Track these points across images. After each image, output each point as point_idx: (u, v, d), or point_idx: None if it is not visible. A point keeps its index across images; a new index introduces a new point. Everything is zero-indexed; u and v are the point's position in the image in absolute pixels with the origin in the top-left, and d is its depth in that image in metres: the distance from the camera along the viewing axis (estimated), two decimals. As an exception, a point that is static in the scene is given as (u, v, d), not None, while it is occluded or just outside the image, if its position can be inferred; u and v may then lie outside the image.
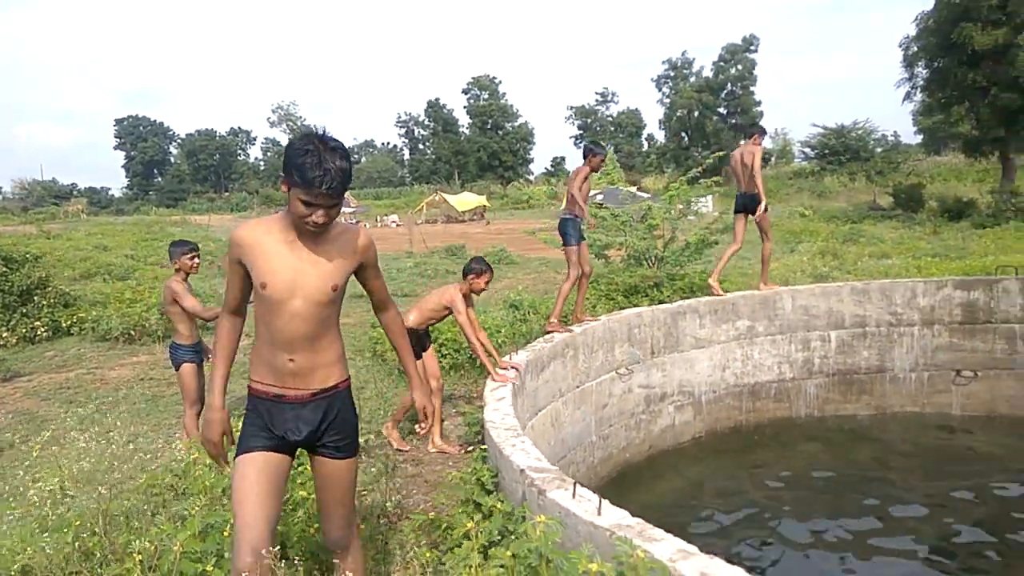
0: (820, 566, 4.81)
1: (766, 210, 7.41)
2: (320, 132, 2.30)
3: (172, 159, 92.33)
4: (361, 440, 4.91)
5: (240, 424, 2.52)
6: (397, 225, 38.93)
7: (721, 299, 7.44)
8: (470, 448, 5.18)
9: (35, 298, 9.48)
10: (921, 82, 21.86)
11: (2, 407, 6.72)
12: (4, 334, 9.10)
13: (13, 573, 2.55)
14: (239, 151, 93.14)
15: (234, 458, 2.45)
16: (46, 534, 2.79)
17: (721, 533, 5.14)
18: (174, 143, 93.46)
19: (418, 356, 5.20)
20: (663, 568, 2.29)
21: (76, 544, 2.73)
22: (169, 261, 5.26)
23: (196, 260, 5.20)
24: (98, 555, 2.74)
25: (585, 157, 6.10)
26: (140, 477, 3.82)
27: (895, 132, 55.97)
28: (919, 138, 39.45)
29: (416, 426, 4.64)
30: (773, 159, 55.26)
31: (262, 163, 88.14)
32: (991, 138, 20.30)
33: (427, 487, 4.73)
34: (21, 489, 3.32)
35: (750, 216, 7.42)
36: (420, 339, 5.25)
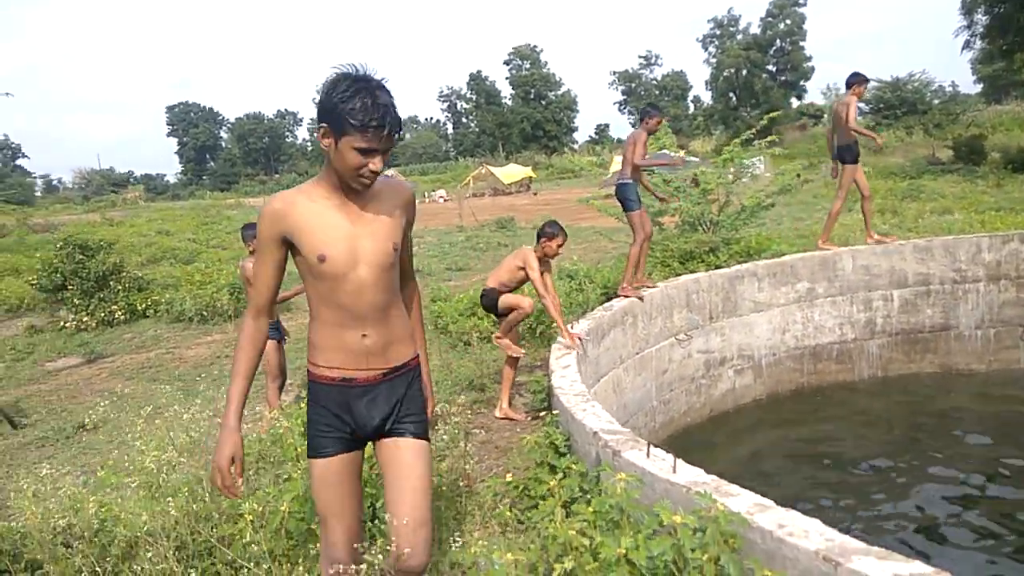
0: (888, 525, 4.87)
1: (855, 161, 7.37)
2: (360, 69, 2.00)
3: (223, 143, 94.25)
4: (437, 409, 5.13)
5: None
6: (445, 200, 39.19)
7: (779, 261, 7.43)
8: (537, 414, 5.35)
9: (111, 283, 9.96)
10: (981, 29, 20.97)
11: (90, 387, 7.16)
12: (85, 318, 9.61)
13: (139, 535, 2.80)
14: (287, 133, 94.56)
15: (308, 458, 2.25)
16: (164, 499, 3.04)
17: (786, 493, 5.23)
18: (224, 128, 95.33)
19: (499, 316, 5.37)
20: (742, 520, 2.41)
21: (192, 507, 2.97)
22: (243, 243, 5.52)
23: None
24: (211, 517, 2.97)
25: (642, 119, 6.17)
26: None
27: (953, 83, 53.84)
28: (978, 88, 37.98)
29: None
30: (825, 116, 53.74)
31: (309, 144, 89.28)
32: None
33: (498, 452, 4.91)
34: (127, 459, 3.60)
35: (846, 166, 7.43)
36: (495, 303, 5.39)
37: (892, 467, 5.72)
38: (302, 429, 4.08)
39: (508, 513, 3.60)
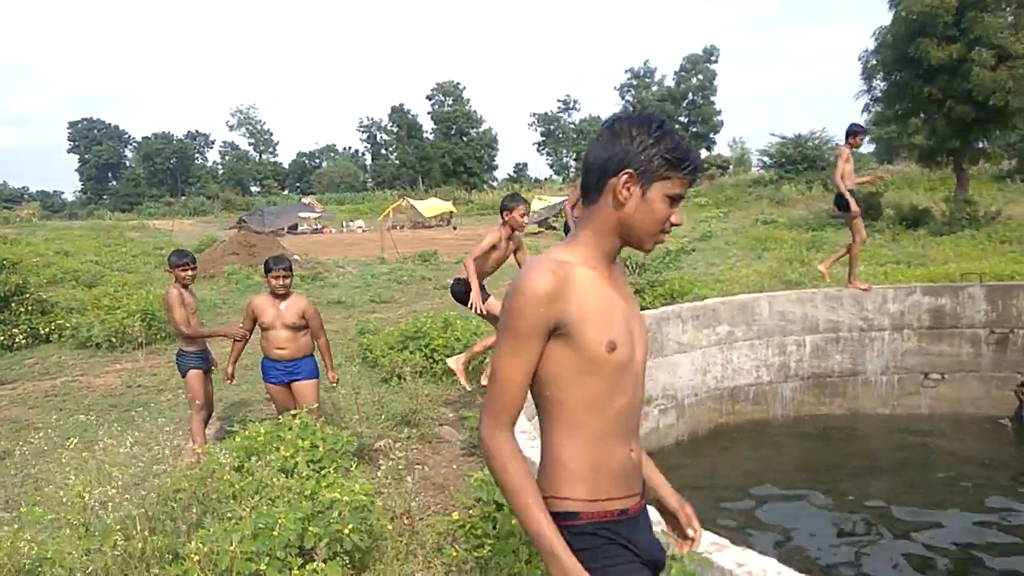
0: (813, 551, 5.07)
1: (847, 209, 7.74)
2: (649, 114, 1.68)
3: (127, 162, 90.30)
4: (375, 444, 5.02)
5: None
6: (363, 231, 38.76)
7: (702, 304, 7.71)
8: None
9: (12, 305, 9.33)
10: (879, 94, 22.64)
11: (-11, 415, 6.65)
12: (-19, 342, 8.95)
13: (73, 576, 2.62)
14: (197, 154, 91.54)
15: None
16: (91, 538, 2.86)
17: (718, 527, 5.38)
18: (129, 146, 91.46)
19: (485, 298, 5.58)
20: (705, 560, 2.48)
21: (123, 548, 2.81)
22: (169, 269, 5.32)
23: (188, 272, 5.27)
24: (145, 556, 2.82)
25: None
26: (158, 480, 3.89)
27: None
28: (872, 147, 40.73)
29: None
30: (732, 167, 56.46)
31: (220, 167, 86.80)
32: (946, 149, 21.12)
33: (435, 488, 4.86)
34: (60, 494, 3.37)
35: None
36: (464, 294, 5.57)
37: (803, 504, 5.97)
38: (237, 463, 3.93)
39: (454, 552, 3.57)
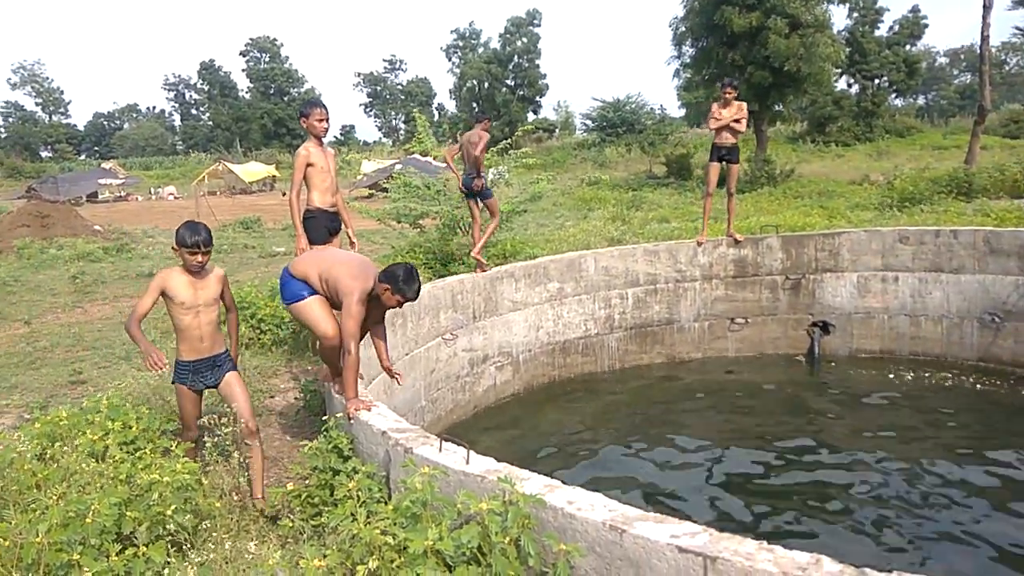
0: (638, 489, 5.43)
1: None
2: None
3: None
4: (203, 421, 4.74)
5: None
6: (175, 198, 36.05)
7: (534, 263, 7.91)
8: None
9: None
10: (688, 60, 24.16)
11: None
12: None
13: None
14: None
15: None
16: None
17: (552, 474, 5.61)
18: None
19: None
20: (539, 501, 2.56)
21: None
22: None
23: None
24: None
25: (479, 122, 7.44)
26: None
27: (662, 106, 61.02)
28: (683, 112, 43.41)
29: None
30: (557, 130, 58.01)
31: (3, 130, 76.87)
32: (748, 111, 23.04)
33: (268, 463, 4.67)
34: None
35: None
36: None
37: (634, 444, 6.38)
38: (39, 451, 3.56)
39: (288, 524, 3.46)
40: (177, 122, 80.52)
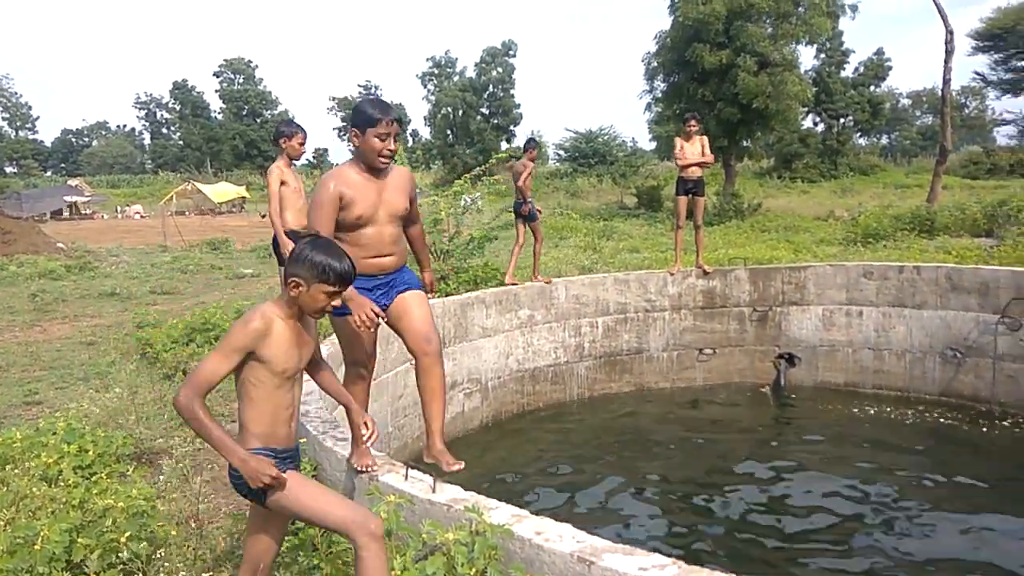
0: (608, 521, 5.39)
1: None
2: None
3: None
4: (156, 444, 4.62)
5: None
6: (142, 216, 35.51)
7: (505, 290, 7.90)
8: None
9: None
10: (659, 94, 24.59)
11: None
12: None
13: None
14: (-67, 128, 78.65)
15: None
16: None
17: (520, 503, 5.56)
18: None
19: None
20: (507, 531, 2.52)
21: None
22: None
23: None
24: None
25: (526, 151, 8.09)
26: None
27: (633, 139, 61.94)
28: (653, 145, 44.10)
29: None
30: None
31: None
32: (716, 147, 23.44)
33: (227, 489, 4.53)
34: None
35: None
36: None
37: (603, 474, 6.34)
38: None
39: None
40: (147, 141, 79.59)
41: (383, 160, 3.11)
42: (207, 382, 2.29)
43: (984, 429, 7.34)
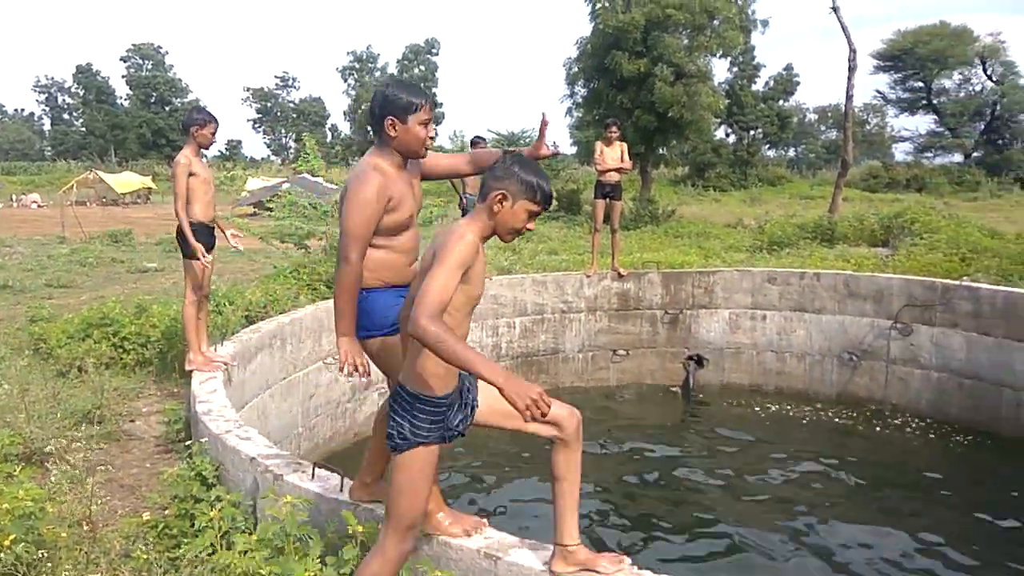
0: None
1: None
2: None
3: None
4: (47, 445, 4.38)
5: None
6: (39, 206, 33.50)
7: (421, 289, 7.85)
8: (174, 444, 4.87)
9: None
10: (579, 100, 24.97)
11: None
12: None
13: None
14: None
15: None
16: None
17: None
18: None
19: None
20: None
21: None
22: None
23: None
24: None
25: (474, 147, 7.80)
26: None
27: (555, 142, 62.36)
28: (574, 149, 44.76)
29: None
30: (452, 159, 58.20)
31: None
32: (634, 153, 23.99)
33: (124, 491, 4.34)
34: None
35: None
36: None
37: (514, 473, 6.39)
38: None
39: (144, 556, 3.22)
40: (47, 126, 75.20)
41: (426, 150, 2.80)
42: (443, 301, 2.11)
43: (877, 428, 7.77)
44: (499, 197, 2.27)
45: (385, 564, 2.31)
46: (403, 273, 2.77)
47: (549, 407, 2.04)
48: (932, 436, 7.56)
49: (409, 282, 2.73)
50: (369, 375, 2.83)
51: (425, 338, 2.05)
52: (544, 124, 2.95)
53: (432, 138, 2.83)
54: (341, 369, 2.66)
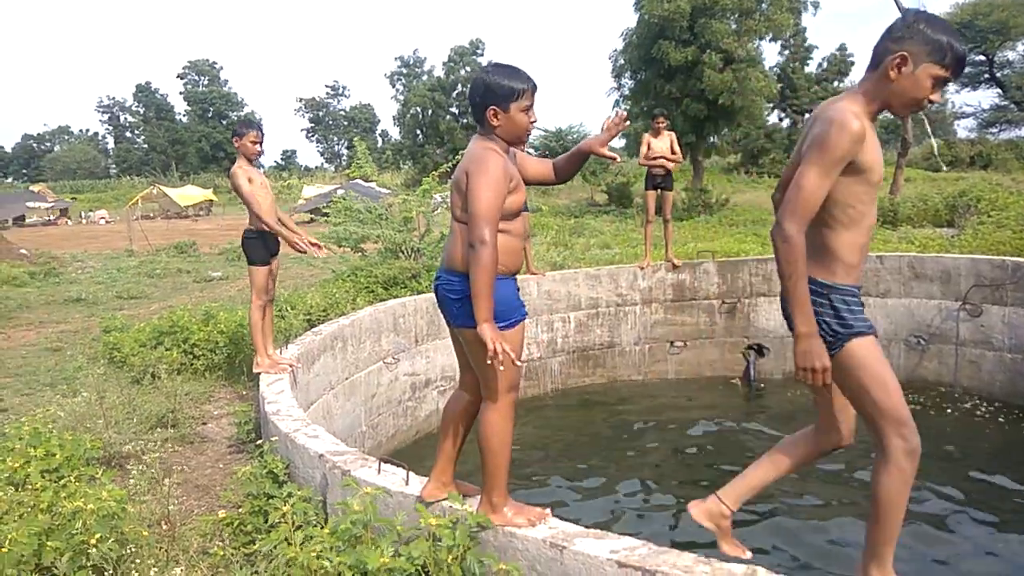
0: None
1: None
2: None
3: None
4: (125, 448, 4.57)
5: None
6: (107, 222, 34.90)
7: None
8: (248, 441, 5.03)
9: None
10: (627, 91, 24.74)
11: None
12: None
13: None
14: None
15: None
16: None
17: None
18: None
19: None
20: (485, 519, 2.55)
21: None
22: None
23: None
24: None
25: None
26: None
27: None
28: (623, 142, 44.42)
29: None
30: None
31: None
32: (684, 143, 23.66)
33: (199, 491, 4.51)
34: None
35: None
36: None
37: (579, 467, 6.39)
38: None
39: (220, 552, 3.34)
40: (111, 145, 78.25)
41: (528, 135, 2.69)
42: (812, 206, 2.00)
43: (949, 411, 7.51)
44: (898, 61, 2.00)
45: (904, 467, 2.42)
46: (519, 259, 2.69)
47: None
48: (1001, 420, 7.27)
49: (520, 269, 2.71)
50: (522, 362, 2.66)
51: (782, 245, 2.16)
52: (621, 119, 2.88)
53: (533, 122, 2.72)
54: (494, 359, 2.38)
